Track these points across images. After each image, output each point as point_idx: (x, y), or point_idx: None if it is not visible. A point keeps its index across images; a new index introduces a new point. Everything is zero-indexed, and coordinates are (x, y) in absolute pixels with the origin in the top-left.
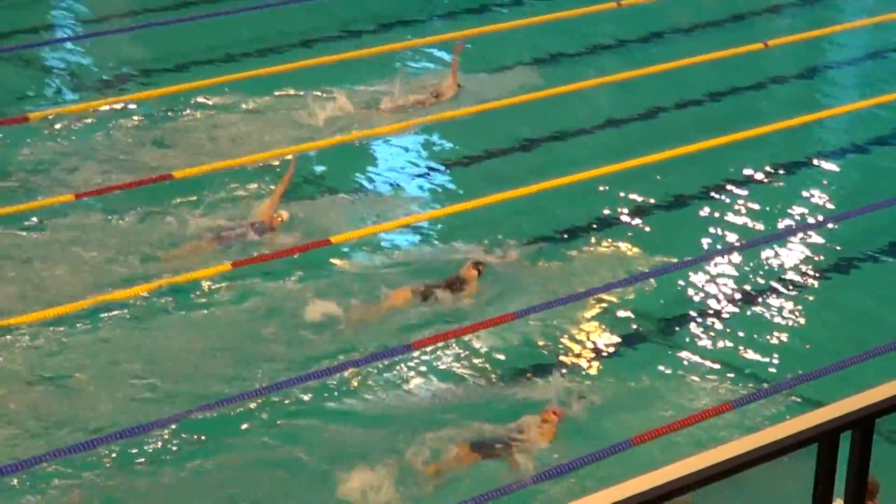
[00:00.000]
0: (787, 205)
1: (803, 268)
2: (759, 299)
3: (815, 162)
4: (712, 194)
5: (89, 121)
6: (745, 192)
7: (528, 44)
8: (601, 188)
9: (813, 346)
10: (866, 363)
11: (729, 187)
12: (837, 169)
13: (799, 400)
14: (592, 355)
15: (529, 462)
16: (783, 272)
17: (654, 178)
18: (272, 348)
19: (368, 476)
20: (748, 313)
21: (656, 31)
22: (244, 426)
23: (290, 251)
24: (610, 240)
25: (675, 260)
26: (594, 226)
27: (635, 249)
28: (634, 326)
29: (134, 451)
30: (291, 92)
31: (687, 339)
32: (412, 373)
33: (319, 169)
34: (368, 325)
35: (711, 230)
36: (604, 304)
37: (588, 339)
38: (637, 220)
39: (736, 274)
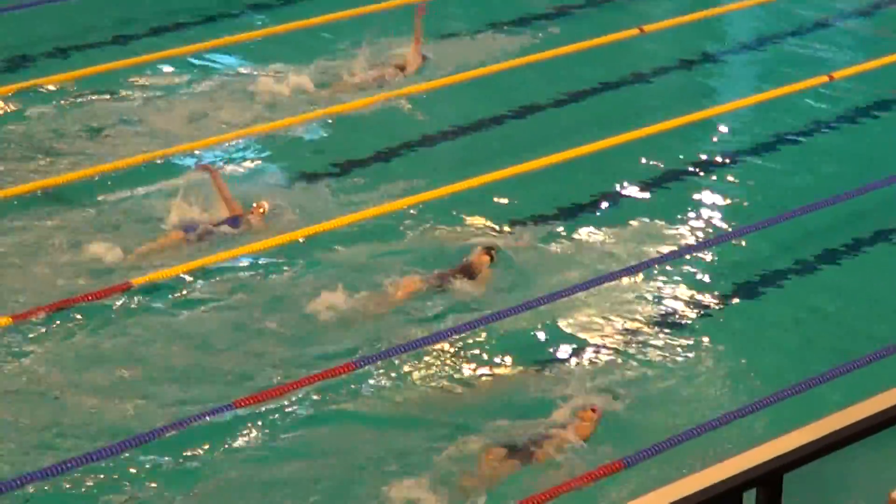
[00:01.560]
0: (680, 218)
1: (704, 290)
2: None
3: (709, 167)
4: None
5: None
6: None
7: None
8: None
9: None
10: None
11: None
12: (734, 176)
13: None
14: (618, 347)
15: (563, 460)
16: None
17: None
18: (271, 348)
19: (400, 488)
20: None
21: (516, 17)
22: (249, 434)
23: (271, 243)
24: (618, 222)
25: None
26: (603, 204)
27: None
28: (659, 312)
29: (132, 462)
30: (240, 70)
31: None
32: (425, 371)
33: (288, 151)
34: (377, 319)
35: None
36: (622, 290)
37: (612, 329)
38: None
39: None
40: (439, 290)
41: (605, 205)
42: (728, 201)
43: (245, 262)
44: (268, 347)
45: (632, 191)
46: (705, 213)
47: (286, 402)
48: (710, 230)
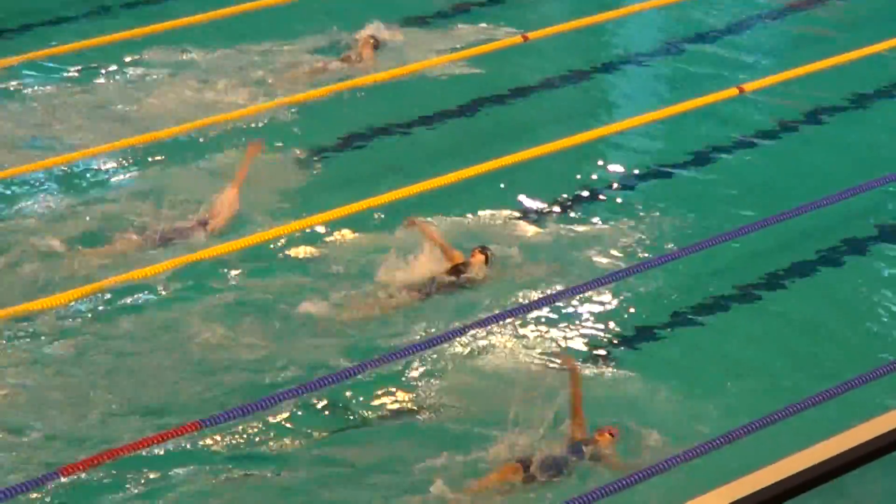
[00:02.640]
0: (581, 245)
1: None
2: None
3: (606, 191)
4: None
5: None
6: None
7: None
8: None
9: None
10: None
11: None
12: (634, 201)
13: None
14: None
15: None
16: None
17: None
18: (253, 357)
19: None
20: None
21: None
22: (231, 449)
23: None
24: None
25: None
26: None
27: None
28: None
29: (106, 484)
30: (187, 56)
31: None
32: (427, 379)
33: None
34: (367, 324)
35: None
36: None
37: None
38: None
39: None
40: (430, 295)
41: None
42: (628, 229)
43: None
44: (242, 357)
45: (525, 217)
46: (604, 242)
47: (272, 417)
48: (613, 260)
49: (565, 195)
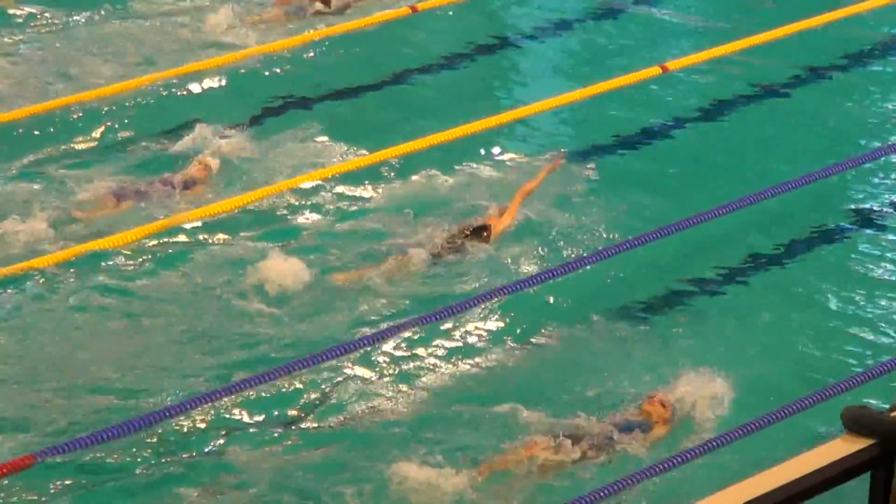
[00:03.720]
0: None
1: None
2: None
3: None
4: None
5: None
6: None
7: None
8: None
9: None
10: None
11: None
12: (547, 195)
13: None
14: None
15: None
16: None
17: None
18: (241, 329)
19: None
20: None
21: None
22: (220, 432)
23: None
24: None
25: None
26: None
27: None
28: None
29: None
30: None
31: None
32: (444, 348)
33: (215, 97)
34: (371, 290)
35: None
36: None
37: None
38: None
39: None
40: (445, 258)
41: None
42: (544, 225)
43: (182, 235)
44: (227, 329)
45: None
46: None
47: (270, 393)
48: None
49: (456, 189)
